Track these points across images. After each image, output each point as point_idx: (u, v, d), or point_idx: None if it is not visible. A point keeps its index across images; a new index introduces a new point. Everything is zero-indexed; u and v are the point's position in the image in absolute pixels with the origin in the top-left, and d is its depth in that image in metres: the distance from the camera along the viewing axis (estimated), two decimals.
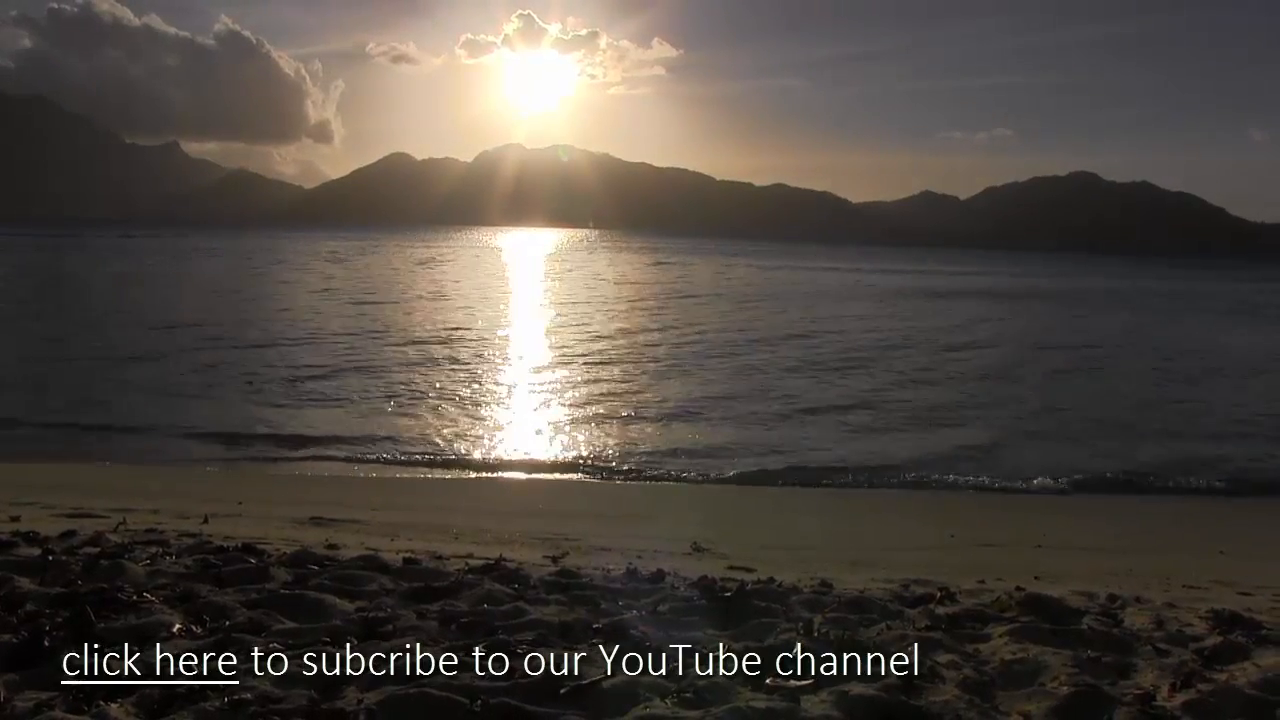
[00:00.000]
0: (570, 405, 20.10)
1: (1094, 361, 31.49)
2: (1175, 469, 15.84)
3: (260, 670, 4.02)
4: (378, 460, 14.86)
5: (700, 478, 14.25)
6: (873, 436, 17.76)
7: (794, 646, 4.55)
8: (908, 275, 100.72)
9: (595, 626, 4.85)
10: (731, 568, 7.33)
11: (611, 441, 16.52)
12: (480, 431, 17.36)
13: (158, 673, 3.95)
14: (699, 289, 63.64)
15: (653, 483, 14.03)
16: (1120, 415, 20.85)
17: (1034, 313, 54.64)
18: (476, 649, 4.43)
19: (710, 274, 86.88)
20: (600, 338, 33.00)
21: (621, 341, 31.99)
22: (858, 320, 43.67)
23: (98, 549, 6.22)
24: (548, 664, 4.16)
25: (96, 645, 4.22)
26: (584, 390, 21.88)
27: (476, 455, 15.50)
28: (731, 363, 27.23)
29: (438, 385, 21.82)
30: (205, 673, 3.95)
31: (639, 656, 4.39)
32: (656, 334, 34.64)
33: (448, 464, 14.83)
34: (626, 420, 18.41)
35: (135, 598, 4.87)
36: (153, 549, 6.37)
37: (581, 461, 15.13)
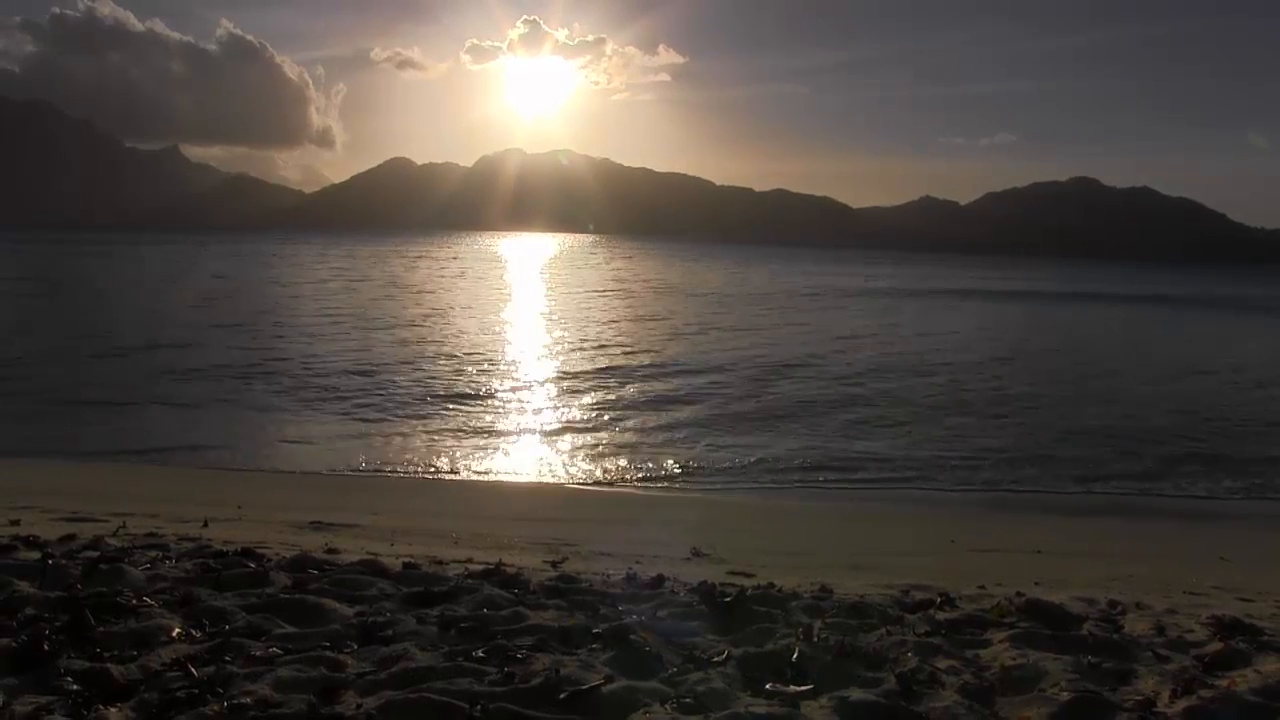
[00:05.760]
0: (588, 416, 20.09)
1: (1085, 368, 31.54)
2: (1173, 474, 15.84)
3: (259, 674, 4.02)
4: (378, 464, 14.88)
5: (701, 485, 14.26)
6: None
7: (794, 652, 4.55)
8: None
9: (595, 631, 4.84)
10: (731, 573, 7.32)
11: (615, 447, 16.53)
12: (486, 438, 17.38)
13: (157, 677, 3.95)
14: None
15: (652, 488, 14.03)
16: (1119, 423, 20.84)
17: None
18: (476, 653, 4.43)
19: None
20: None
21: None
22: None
23: (97, 553, 6.21)
24: (547, 669, 4.16)
25: (96, 649, 4.22)
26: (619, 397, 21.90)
27: (477, 460, 15.52)
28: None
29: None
30: (204, 677, 3.94)
31: (639, 662, 4.39)
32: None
33: (448, 468, 14.83)
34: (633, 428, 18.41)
35: (135, 602, 4.87)
36: (152, 553, 6.37)
37: (585, 467, 15.15)
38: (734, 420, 19.12)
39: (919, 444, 17.40)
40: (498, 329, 37.10)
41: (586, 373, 25.10)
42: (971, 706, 4.03)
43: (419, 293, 56.15)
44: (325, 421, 17.91)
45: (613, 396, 21.54)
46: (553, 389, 22.78)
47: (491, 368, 25.84)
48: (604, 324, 38.69)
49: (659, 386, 23.05)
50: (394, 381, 22.57)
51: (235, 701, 3.72)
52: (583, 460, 15.58)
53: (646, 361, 27.47)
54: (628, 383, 23.41)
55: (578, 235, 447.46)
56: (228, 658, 4.22)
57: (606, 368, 26.01)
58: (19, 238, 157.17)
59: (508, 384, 23.30)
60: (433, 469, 14.72)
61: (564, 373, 25.22)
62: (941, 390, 24.08)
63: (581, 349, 30.43)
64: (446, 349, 29.32)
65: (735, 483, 14.40)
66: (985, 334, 42.48)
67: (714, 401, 21.19)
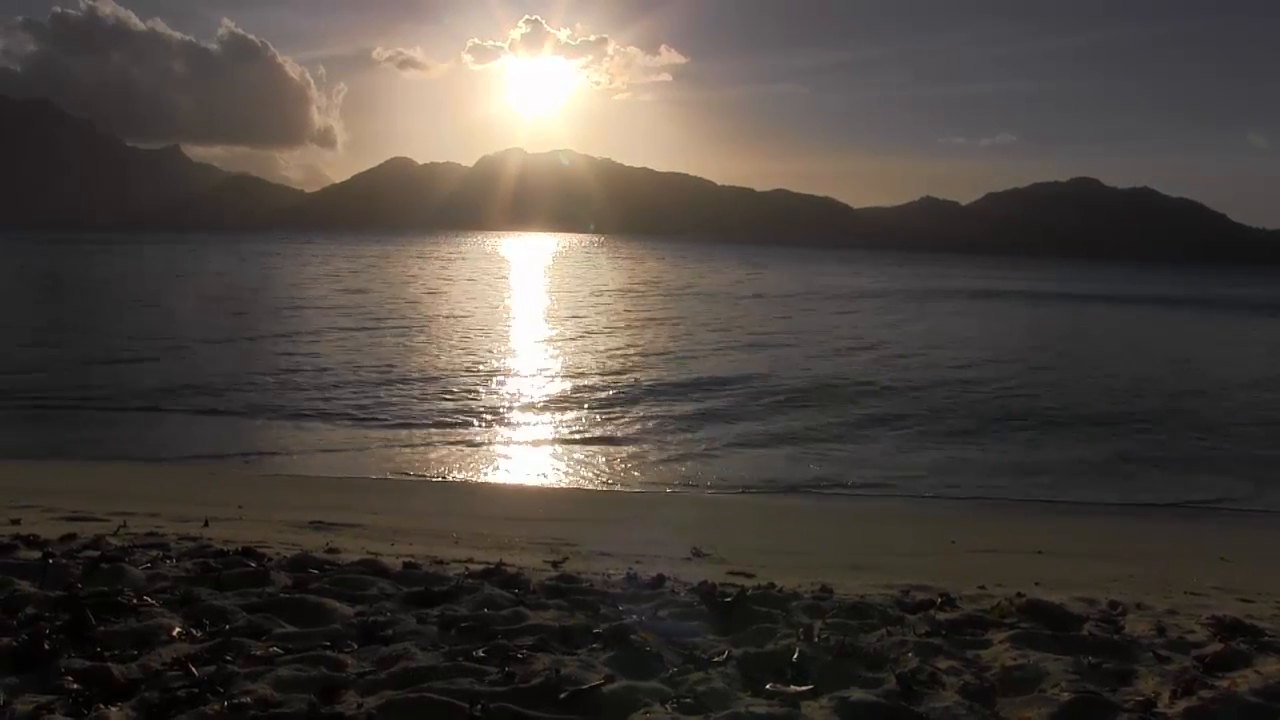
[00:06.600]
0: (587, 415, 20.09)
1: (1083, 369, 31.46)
2: (1174, 475, 15.81)
3: (260, 674, 4.02)
4: (379, 465, 14.88)
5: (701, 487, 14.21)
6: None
7: (794, 652, 4.55)
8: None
9: (595, 631, 4.84)
10: (731, 573, 7.32)
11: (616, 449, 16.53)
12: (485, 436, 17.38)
13: (157, 676, 3.95)
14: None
15: (652, 488, 14.02)
16: (1117, 420, 20.80)
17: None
18: (476, 653, 4.43)
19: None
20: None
21: None
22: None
23: (98, 552, 6.21)
24: (548, 669, 4.16)
25: (96, 648, 4.23)
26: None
27: (478, 460, 15.53)
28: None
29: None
30: (205, 676, 3.95)
31: (639, 661, 4.39)
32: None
33: (449, 469, 14.84)
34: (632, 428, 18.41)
35: (135, 601, 4.87)
36: (153, 552, 6.37)
37: (588, 468, 15.15)
38: (740, 423, 19.05)
39: (925, 449, 17.18)
40: (504, 331, 37.08)
41: (592, 375, 25.04)
42: (972, 707, 4.03)
43: (426, 294, 56.07)
44: (327, 425, 17.88)
45: (616, 398, 21.49)
46: (556, 390, 22.77)
47: (495, 369, 25.83)
48: (610, 326, 38.60)
49: (664, 388, 22.92)
50: (397, 382, 22.56)
51: (235, 701, 3.72)
52: (583, 461, 15.57)
53: (653, 364, 27.32)
54: (633, 385, 23.29)
55: (578, 235, 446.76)
56: (228, 657, 4.22)
57: (613, 371, 25.83)
58: (19, 237, 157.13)
59: (511, 385, 23.29)
60: (433, 470, 14.73)
61: (569, 374, 25.19)
62: (958, 395, 23.47)
63: (586, 350, 30.38)
64: (450, 351, 29.30)
65: (735, 483, 14.37)
66: (1000, 336, 42.19)
67: (721, 403, 21.11)
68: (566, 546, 8.41)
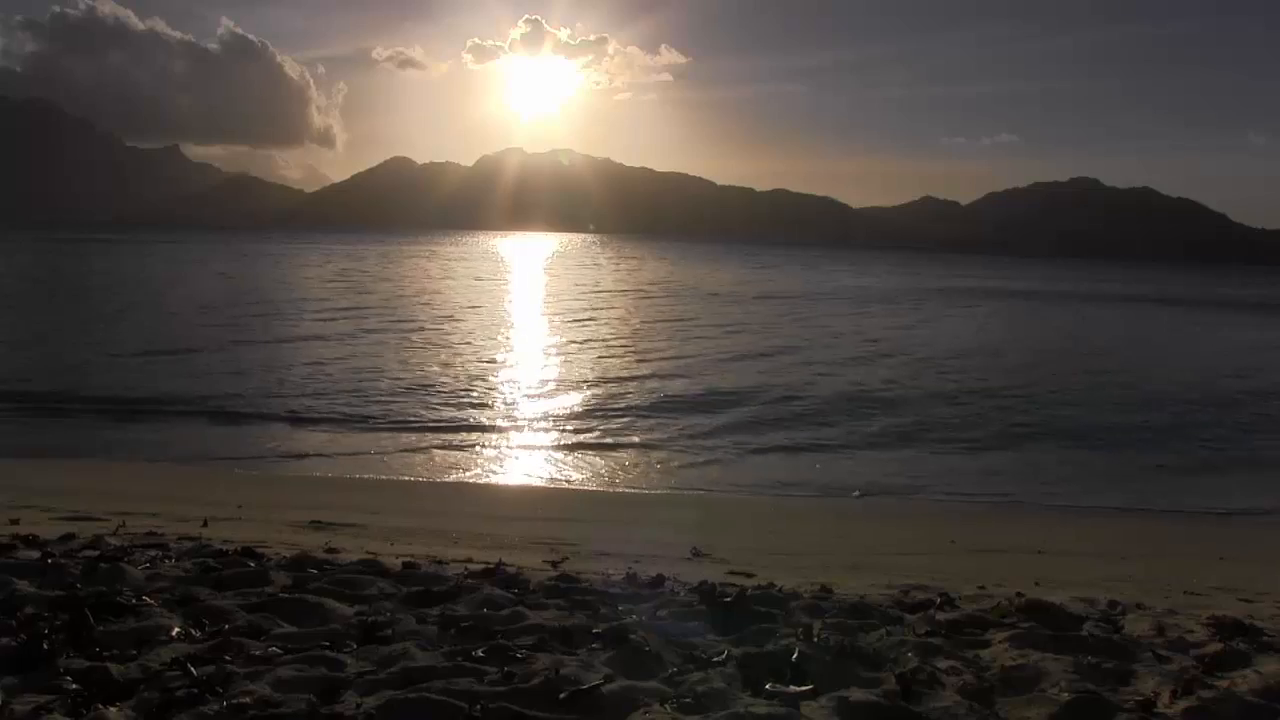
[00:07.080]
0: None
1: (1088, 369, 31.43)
2: (1178, 478, 15.77)
3: (259, 674, 4.02)
4: (378, 465, 14.87)
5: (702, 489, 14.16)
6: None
7: (794, 652, 4.55)
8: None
9: (595, 631, 4.84)
10: (731, 573, 7.33)
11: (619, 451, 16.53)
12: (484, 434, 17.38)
13: (156, 676, 3.95)
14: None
15: (652, 488, 14.01)
16: (1119, 421, 20.77)
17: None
18: (476, 653, 4.43)
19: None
20: None
21: None
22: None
23: (97, 552, 6.22)
24: (547, 669, 4.16)
25: (96, 648, 4.22)
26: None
27: (477, 457, 15.53)
28: None
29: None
30: (204, 676, 3.94)
31: (639, 661, 4.39)
32: None
33: (448, 469, 14.83)
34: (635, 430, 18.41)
35: (134, 601, 4.87)
36: (152, 552, 6.38)
37: (583, 467, 15.15)
38: (744, 427, 18.91)
39: (928, 454, 17.01)
40: (507, 333, 37.03)
41: (598, 379, 24.88)
42: (971, 707, 4.03)
43: (428, 295, 55.95)
44: (328, 426, 17.84)
45: (620, 402, 21.35)
46: (559, 393, 22.73)
47: (497, 372, 25.78)
48: (617, 328, 38.51)
49: (669, 392, 22.68)
50: (397, 383, 22.53)
51: (235, 701, 3.73)
52: (583, 461, 15.56)
53: (660, 368, 27.04)
54: (639, 390, 22.97)
55: (578, 235, 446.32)
56: (227, 657, 4.23)
57: (620, 377, 25.51)
58: (19, 237, 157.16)
59: (513, 388, 23.25)
60: (433, 470, 14.72)
61: (572, 378, 25.10)
62: (962, 399, 22.94)
63: (592, 353, 30.28)
64: (452, 353, 29.21)
65: (736, 484, 14.35)
66: (1004, 338, 41.96)
67: (726, 408, 20.89)
68: (566, 546, 8.40)
